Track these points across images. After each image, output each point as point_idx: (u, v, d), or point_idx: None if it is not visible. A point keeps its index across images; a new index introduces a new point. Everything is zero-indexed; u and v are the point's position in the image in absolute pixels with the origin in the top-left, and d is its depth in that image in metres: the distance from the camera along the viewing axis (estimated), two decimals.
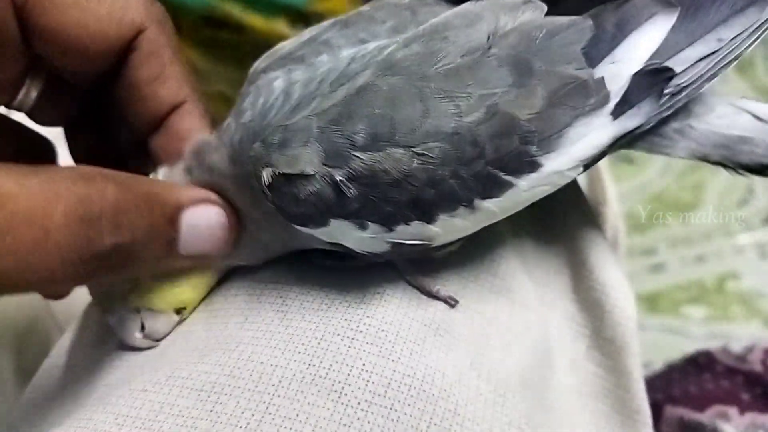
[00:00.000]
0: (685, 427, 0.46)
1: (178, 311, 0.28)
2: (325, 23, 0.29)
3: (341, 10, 0.80)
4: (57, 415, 0.27)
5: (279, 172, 0.23)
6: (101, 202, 0.21)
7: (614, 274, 0.31)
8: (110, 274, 0.23)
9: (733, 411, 0.45)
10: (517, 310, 0.29)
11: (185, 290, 0.28)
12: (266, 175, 0.23)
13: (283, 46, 0.29)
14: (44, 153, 0.31)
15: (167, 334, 0.28)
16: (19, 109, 0.28)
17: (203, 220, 0.25)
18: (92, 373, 0.28)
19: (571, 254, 0.32)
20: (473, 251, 0.27)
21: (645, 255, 1.04)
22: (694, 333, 0.95)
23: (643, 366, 0.66)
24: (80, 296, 0.29)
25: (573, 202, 0.28)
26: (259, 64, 0.29)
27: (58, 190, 0.20)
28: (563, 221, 0.32)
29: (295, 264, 0.28)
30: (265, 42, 0.35)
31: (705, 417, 0.45)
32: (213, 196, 0.26)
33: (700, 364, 0.50)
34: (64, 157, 0.31)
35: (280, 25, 0.75)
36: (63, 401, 0.28)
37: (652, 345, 0.94)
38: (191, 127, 0.27)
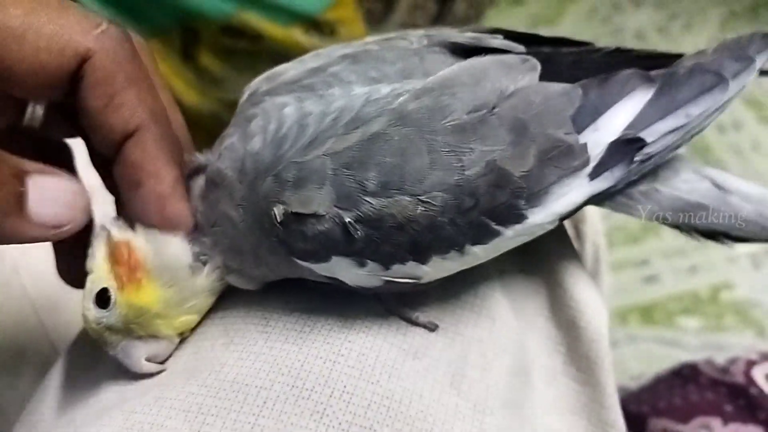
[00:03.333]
0: None
1: (180, 334, 0.29)
2: (328, 53, 0.31)
3: (351, 19, 0.84)
4: None
5: (291, 211, 0.25)
6: None
7: (588, 293, 0.32)
8: None
9: (716, 422, 0.46)
10: (497, 328, 0.30)
11: (194, 317, 0.29)
12: (278, 212, 0.25)
13: (285, 71, 0.30)
14: (61, 156, 0.32)
15: (170, 356, 0.29)
16: (30, 127, 0.29)
17: (52, 184, 0.25)
18: (86, 395, 0.29)
19: (547, 275, 0.33)
20: (454, 275, 0.28)
21: (638, 266, 1.04)
22: (689, 344, 0.95)
23: (636, 377, 0.66)
24: (76, 320, 0.30)
25: None
26: (259, 86, 0.30)
27: None
28: (540, 243, 0.33)
29: (278, 287, 0.29)
30: (281, 50, 0.36)
31: (688, 428, 0.46)
32: (62, 172, 0.26)
33: (684, 376, 0.51)
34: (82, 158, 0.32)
35: (296, 33, 0.79)
36: (58, 423, 0.29)
37: (647, 356, 0.94)
38: (145, 156, 0.26)
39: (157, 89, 0.27)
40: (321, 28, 0.82)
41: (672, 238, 1.06)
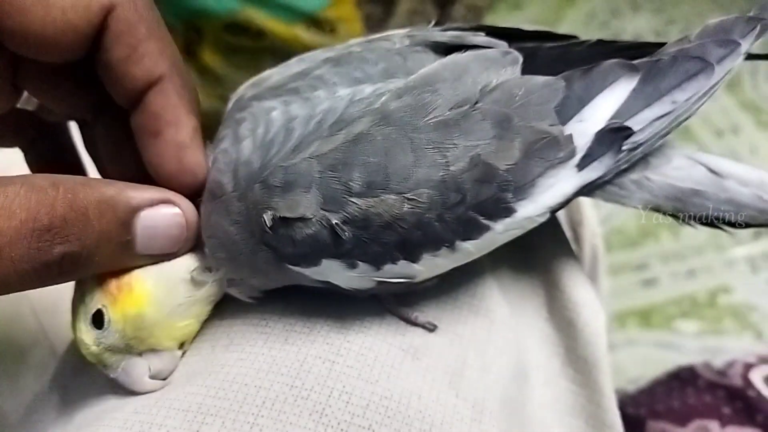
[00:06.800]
0: None
1: (180, 345, 0.28)
2: (312, 57, 0.31)
3: (350, 17, 0.86)
4: None
5: (279, 216, 0.25)
6: (50, 214, 0.22)
7: (586, 295, 0.32)
8: (64, 278, 0.24)
9: (714, 425, 0.46)
10: (495, 329, 0.30)
11: (191, 323, 0.28)
12: (267, 218, 0.25)
13: (270, 76, 0.31)
14: (60, 139, 0.32)
15: (173, 371, 0.28)
16: (26, 106, 0.29)
17: (160, 220, 0.26)
18: (86, 396, 0.29)
19: (545, 276, 0.33)
20: (452, 275, 0.28)
21: (637, 270, 1.05)
22: (687, 347, 0.96)
23: (634, 381, 0.66)
24: None
25: (546, 226, 0.29)
26: (245, 92, 0.30)
27: (10, 207, 0.22)
28: (537, 244, 0.33)
29: (278, 289, 0.29)
30: (283, 47, 0.36)
31: (686, 431, 0.46)
32: (171, 194, 0.26)
33: (682, 378, 0.51)
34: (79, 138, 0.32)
35: (298, 30, 0.81)
36: (57, 424, 0.29)
37: (645, 360, 0.94)
38: (166, 104, 0.26)
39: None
40: (321, 25, 0.84)
41: (670, 241, 1.07)
